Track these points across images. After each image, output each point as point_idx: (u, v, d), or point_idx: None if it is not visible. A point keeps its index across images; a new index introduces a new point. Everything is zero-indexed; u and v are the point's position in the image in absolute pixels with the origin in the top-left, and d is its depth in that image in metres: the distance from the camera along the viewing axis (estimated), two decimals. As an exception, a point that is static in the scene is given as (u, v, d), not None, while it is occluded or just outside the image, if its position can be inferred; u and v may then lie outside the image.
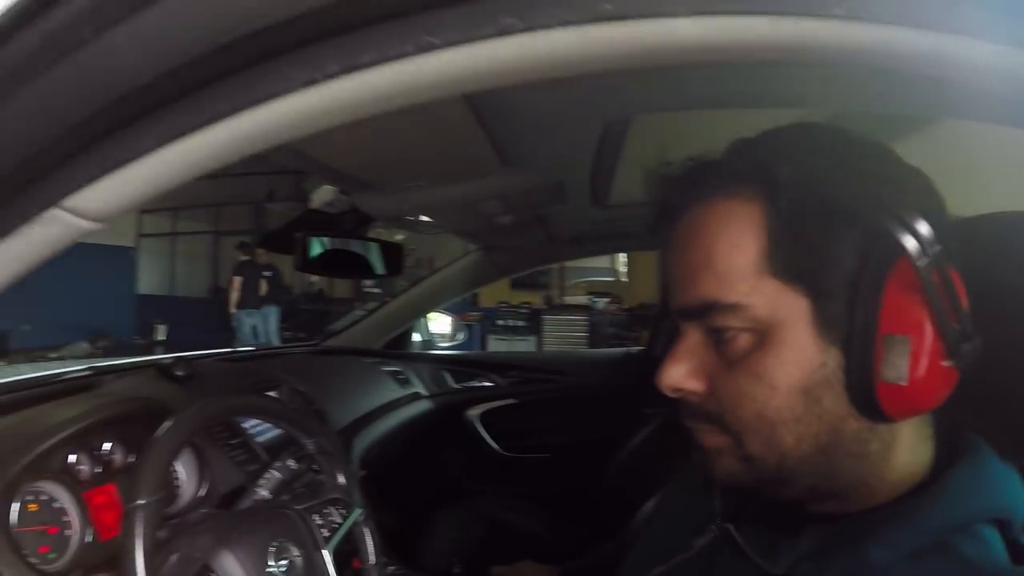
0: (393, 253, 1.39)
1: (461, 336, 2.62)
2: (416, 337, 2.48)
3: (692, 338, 0.50)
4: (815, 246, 0.45)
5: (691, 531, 0.60)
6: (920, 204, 0.43)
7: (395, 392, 1.95)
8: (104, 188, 0.32)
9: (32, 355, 7.69)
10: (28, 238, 0.33)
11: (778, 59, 0.29)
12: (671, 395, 0.51)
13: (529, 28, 0.27)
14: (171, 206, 10.59)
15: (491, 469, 2.05)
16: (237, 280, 7.89)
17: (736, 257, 0.46)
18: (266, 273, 7.90)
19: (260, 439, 1.18)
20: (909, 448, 0.48)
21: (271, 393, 1.34)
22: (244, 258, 8.04)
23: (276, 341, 7.78)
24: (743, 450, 0.48)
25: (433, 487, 2.01)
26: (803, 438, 0.46)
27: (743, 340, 0.47)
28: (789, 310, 0.45)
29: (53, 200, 0.32)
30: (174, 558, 0.73)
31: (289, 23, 0.27)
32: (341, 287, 10.16)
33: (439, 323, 2.58)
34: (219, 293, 9.88)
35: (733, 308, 0.46)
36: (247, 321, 7.91)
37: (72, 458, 0.86)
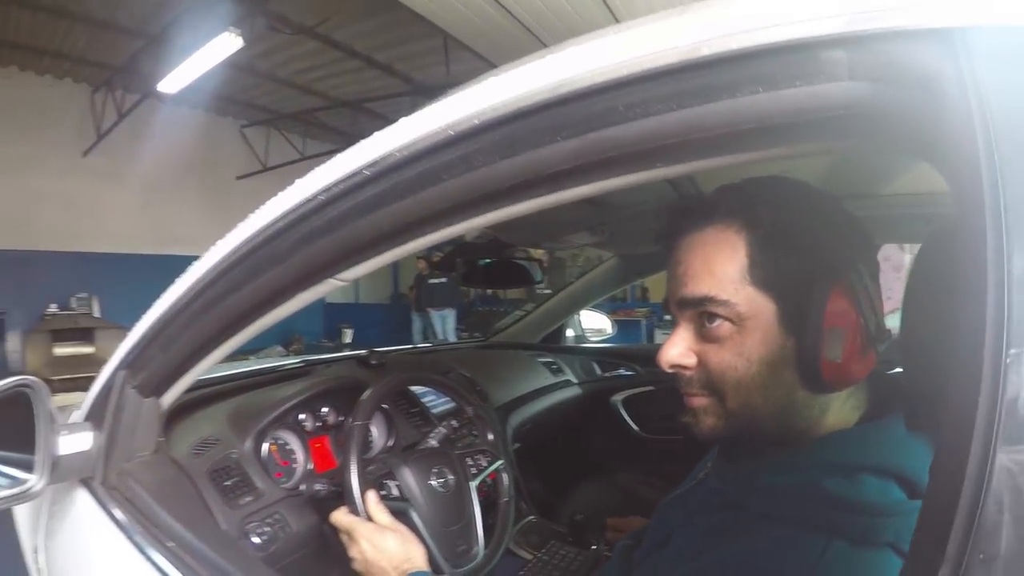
0: (532, 265, 1.75)
1: (610, 331, 2.90)
2: (570, 332, 2.79)
3: (685, 327, 0.67)
4: (781, 267, 0.61)
5: (701, 469, 0.84)
6: (853, 240, 0.64)
7: (548, 379, 2.27)
8: (360, 268, 0.68)
9: (234, 358, 8.95)
10: (314, 292, 0.71)
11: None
12: (669, 370, 0.67)
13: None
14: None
15: (630, 448, 2.24)
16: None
17: (728, 268, 0.62)
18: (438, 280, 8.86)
19: (434, 410, 1.60)
20: (836, 413, 0.65)
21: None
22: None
23: (453, 339, 8.65)
24: (725, 408, 0.64)
25: (578, 461, 2.25)
26: (768, 400, 0.63)
27: (726, 327, 0.63)
28: (761, 308, 0.62)
29: (333, 275, 0.69)
30: (372, 467, 1.13)
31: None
32: (513, 290, 10.68)
33: (591, 319, 2.89)
34: (400, 299, 10.99)
35: (724, 303, 0.62)
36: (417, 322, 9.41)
37: (301, 416, 1.33)
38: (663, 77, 0.45)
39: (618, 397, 2.34)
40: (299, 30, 6.99)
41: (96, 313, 9.48)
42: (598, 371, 2.52)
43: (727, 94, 0.43)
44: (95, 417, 0.91)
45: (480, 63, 6.26)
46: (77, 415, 0.98)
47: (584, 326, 2.85)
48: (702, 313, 0.64)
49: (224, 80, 8.11)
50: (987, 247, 0.33)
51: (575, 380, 2.39)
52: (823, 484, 0.59)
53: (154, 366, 0.88)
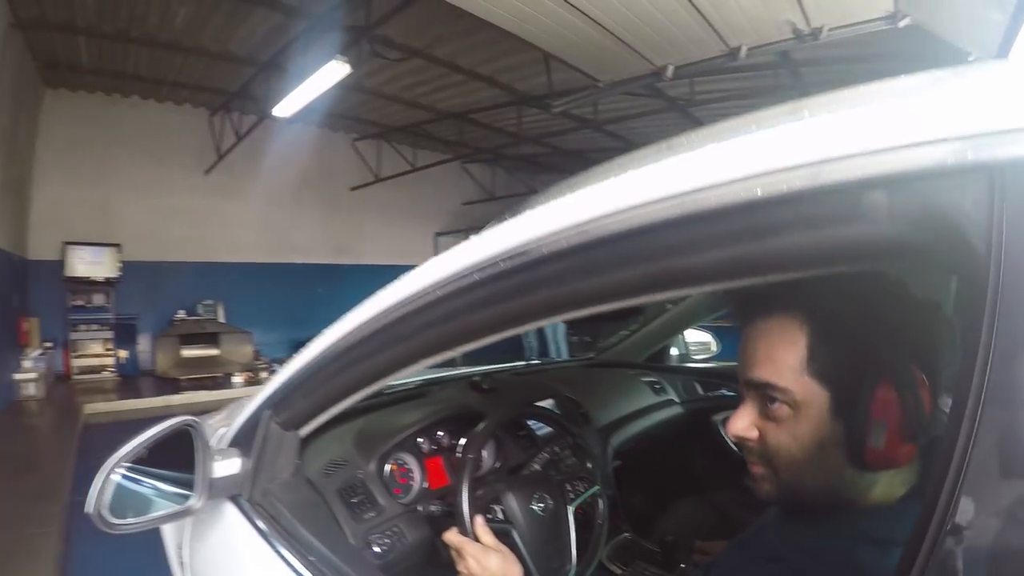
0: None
1: (715, 348, 2.90)
2: (674, 351, 2.83)
3: (750, 403, 0.75)
4: (837, 361, 0.68)
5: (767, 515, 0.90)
6: (911, 338, 0.66)
7: (651, 399, 2.32)
8: (472, 345, 0.79)
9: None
10: (433, 359, 0.84)
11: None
12: (735, 440, 0.76)
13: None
14: (464, 228, 12.16)
15: (730, 469, 2.15)
16: None
17: (788, 358, 0.70)
18: None
19: (539, 432, 1.71)
20: (883, 487, 0.70)
21: (549, 400, 1.86)
22: None
23: (564, 344, 8.95)
24: (778, 478, 0.73)
25: (677, 480, 2.26)
26: (817, 476, 0.70)
27: (784, 410, 0.70)
28: (816, 397, 0.69)
29: (449, 349, 0.81)
30: (481, 491, 1.25)
31: None
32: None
33: (695, 336, 2.90)
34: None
35: (784, 391, 0.70)
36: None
37: (419, 439, 1.48)
38: (719, 217, 0.52)
39: (719, 417, 2.34)
40: (404, 52, 7.34)
41: (221, 318, 10.30)
42: (700, 391, 2.53)
43: (772, 234, 0.50)
44: (241, 444, 1.11)
45: (579, 73, 6.35)
46: (222, 435, 1.18)
47: (688, 341, 2.88)
48: (764, 395, 0.72)
49: (334, 99, 8.61)
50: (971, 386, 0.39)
51: (677, 400, 2.42)
52: (857, 553, 0.65)
53: (296, 407, 1.05)
